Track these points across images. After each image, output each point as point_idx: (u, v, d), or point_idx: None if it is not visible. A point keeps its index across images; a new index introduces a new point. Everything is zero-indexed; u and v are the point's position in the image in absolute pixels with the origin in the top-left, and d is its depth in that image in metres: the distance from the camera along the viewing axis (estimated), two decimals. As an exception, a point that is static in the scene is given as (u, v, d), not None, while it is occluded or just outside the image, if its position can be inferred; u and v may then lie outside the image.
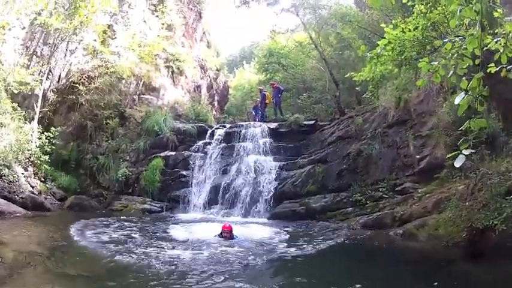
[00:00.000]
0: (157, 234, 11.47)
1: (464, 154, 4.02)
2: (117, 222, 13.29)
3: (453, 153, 4.22)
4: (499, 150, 9.66)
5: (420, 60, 5.55)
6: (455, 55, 4.67)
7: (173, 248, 9.44)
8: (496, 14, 4.45)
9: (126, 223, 13.23)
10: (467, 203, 8.65)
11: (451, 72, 4.68)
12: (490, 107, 5.95)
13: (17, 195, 14.13)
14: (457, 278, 7.02)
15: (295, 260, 8.42)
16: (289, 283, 6.85)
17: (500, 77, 4.68)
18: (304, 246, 9.98)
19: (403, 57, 11.89)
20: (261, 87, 26.25)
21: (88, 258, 8.00)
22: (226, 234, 10.53)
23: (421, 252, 9.32)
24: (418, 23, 11.33)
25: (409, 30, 11.35)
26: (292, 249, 9.58)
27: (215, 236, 10.71)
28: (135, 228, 12.12)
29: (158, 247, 9.32)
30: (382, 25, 12.33)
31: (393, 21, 12.22)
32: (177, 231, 11.97)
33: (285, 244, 10.37)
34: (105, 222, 13.06)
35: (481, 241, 7.49)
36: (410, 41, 11.45)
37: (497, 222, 7.19)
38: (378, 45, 11.22)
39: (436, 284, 6.61)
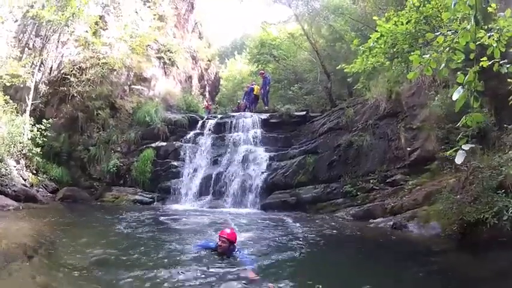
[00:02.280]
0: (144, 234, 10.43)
1: (464, 149, 4.06)
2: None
3: (454, 149, 4.25)
4: (490, 145, 9.72)
5: (412, 53, 5.55)
6: (447, 49, 4.70)
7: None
8: (489, 9, 4.50)
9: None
10: (458, 196, 8.71)
11: (443, 65, 4.71)
12: (482, 102, 6.03)
13: (9, 188, 13.96)
14: (446, 269, 7.08)
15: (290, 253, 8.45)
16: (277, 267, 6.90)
17: (492, 72, 4.73)
18: (295, 239, 9.98)
19: (395, 50, 11.96)
20: (262, 71, 26.24)
21: (81, 250, 7.99)
22: (223, 244, 7.01)
23: (411, 243, 9.37)
24: (410, 17, 11.40)
25: (402, 24, 11.42)
26: (283, 241, 9.58)
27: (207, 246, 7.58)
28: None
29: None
30: (375, 18, 12.37)
31: (386, 15, 12.25)
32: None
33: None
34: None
35: (472, 234, 7.56)
36: (402, 34, 11.52)
37: (488, 215, 7.27)
38: (370, 38, 11.27)
39: (421, 275, 6.70)
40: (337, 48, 23.98)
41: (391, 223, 11.22)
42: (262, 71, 26.08)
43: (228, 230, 7.29)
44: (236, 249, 7.24)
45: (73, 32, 19.51)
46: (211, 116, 22.03)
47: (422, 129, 13.00)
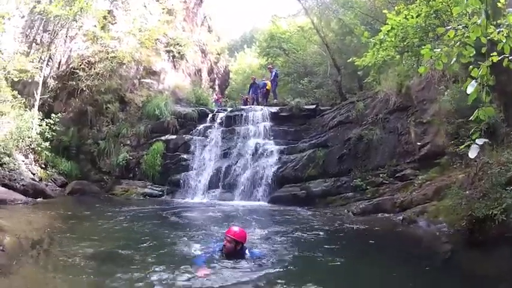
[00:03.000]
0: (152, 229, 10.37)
1: (477, 144, 4.04)
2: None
3: (466, 144, 4.27)
4: (499, 141, 9.64)
5: (422, 47, 5.52)
6: (458, 43, 4.68)
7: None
8: (499, 4, 4.47)
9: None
10: (467, 192, 8.66)
11: (454, 59, 4.69)
12: (491, 98, 5.98)
13: (18, 183, 14.11)
14: (454, 265, 7.10)
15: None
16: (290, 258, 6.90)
17: (502, 67, 4.70)
18: (305, 232, 9.97)
19: (405, 43, 11.90)
20: (270, 66, 26.29)
21: (92, 240, 8.07)
22: (228, 243, 6.38)
23: (421, 238, 9.37)
24: (421, 10, 11.33)
25: (412, 17, 11.35)
26: (293, 234, 9.58)
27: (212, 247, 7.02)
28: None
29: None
30: (385, 11, 12.31)
31: (396, 8, 12.17)
32: None
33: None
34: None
35: (481, 230, 7.51)
36: (413, 27, 11.45)
37: (497, 212, 7.20)
38: (381, 31, 11.21)
39: (428, 269, 6.73)
40: (347, 42, 23.88)
41: (401, 218, 11.18)
42: (270, 66, 26.17)
43: (235, 228, 6.58)
44: (246, 250, 6.54)
45: (81, 26, 19.63)
46: (221, 109, 22.07)
47: (432, 124, 12.93)
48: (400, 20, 11.45)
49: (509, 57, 4.81)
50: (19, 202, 12.86)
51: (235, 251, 6.39)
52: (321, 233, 9.73)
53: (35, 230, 8.51)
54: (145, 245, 7.88)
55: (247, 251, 6.56)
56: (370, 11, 21.84)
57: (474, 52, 4.61)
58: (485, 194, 7.89)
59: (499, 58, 4.90)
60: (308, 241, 8.73)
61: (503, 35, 4.79)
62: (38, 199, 13.97)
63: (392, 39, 11.79)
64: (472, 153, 4.14)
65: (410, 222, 10.63)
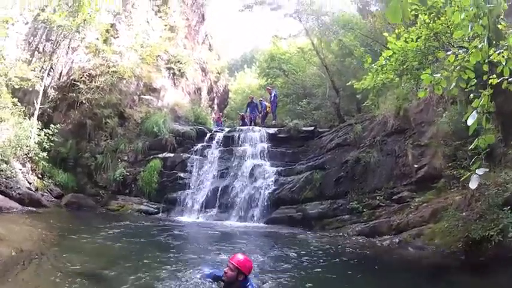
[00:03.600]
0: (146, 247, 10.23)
1: (478, 174, 4.03)
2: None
3: (468, 174, 4.25)
4: (497, 162, 9.68)
5: (422, 70, 5.57)
6: (458, 67, 4.70)
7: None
8: (500, 27, 4.49)
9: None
10: (464, 213, 8.70)
11: (453, 84, 4.70)
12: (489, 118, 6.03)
13: (14, 191, 14.02)
14: (451, 286, 7.05)
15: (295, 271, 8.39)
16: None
17: (500, 88, 4.71)
18: (300, 254, 9.91)
19: (404, 66, 11.96)
20: (269, 87, 26.47)
21: (85, 255, 8.01)
22: (229, 271, 5.68)
23: (417, 260, 9.37)
24: (421, 33, 11.40)
25: (412, 40, 11.42)
26: (290, 258, 9.50)
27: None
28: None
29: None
30: (385, 34, 12.40)
31: (396, 31, 12.26)
32: None
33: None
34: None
35: (477, 251, 7.51)
36: (412, 51, 11.52)
37: (494, 233, 7.24)
38: (381, 53, 11.29)
39: None
40: (347, 64, 24.01)
41: (397, 240, 11.21)
42: (269, 87, 26.34)
43: (240, 256, 5.79)
44: (248, 283, 5.70)
45: (84, 38, 19.67)
46: (219, 129, 22.05)
47: (430, 146, 12.97)
48: (401, 45, 11.53)
49: (509, 79, 4.83)
50: (14, 210, 12.98)
51: (236, 280, 5.67)
52: (318, 257, 9.59)
53: (30, 240, 8.58)
54: (131, 264, 7.73)
55: (249, 285, 5.70)
56: (370, 33, 21.99)
57: (473, 76, 4.62)
58: (481, 215, 7.96)
59: (498, 81, 4.93)
60: (306, 267, 8.56)
61: (503, 57, 4.81)
62: (34, 208, 13.96)
63: (393, 63, 11.86)
64: (473, 184, 4.12)
65: (406, 245, 10.64)
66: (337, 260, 9.61)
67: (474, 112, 4.16)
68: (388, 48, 11.58)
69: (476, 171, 4.07)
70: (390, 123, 14.99)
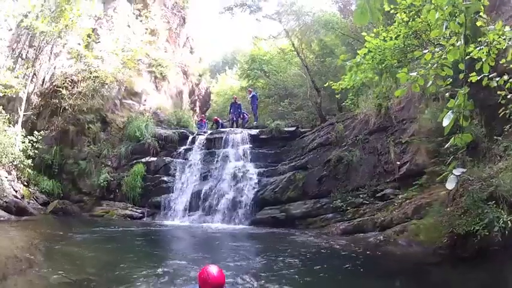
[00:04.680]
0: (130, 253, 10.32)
1: (455, 174, 4.06)
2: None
3: (444, 174, 4.25)
4: (481, 156, 9.78)
5: (401, 68, 5.59)
6: (435, 65, 4.74)
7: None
8: (479, 23, 4.56)
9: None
10: (448, 209, 8.75)
11: (430, 82, 4.74)
12: (472, 114, 6.07)
13: (1, 199, 14.05)
14: (438, 282, 7.13)
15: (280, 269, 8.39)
16: None
17: (482, 84, 4.78)
18: (285, 254, 9.92)
19: (383, 65, 12.04)
20: (250, 89, 26.54)
21: (70, 263, 7.98)
22: None
23: (402, 257, 9.43)
24: (399, 32, 11.50)
25: (391, 39, 11.51)
26: (276, 259, 9.47)
27: None
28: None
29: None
30: (364, 34, 12.47)
31: (374, 30, 12.35)
32: None
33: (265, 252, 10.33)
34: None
35: (462, 246, 7.58)
36: (390, 49, 11.61)
37: (479, 227, 7.31)
38: (358, 53, 11.33)
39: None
40: (327, 63, 24.11)
41: (381, 237, 11.21)
42: (250, 89, 26.38)
43: (213, 270, 4.18)
44: None
45: (66, 44, 19.68)
46: (202, 131, 22.00)
47: (412, 143, 13.04)
48: (377, 43, 11.60)
49: (489, 76, 4.90)
50: (1, 219, 12.99)
51: None
52: (302, 257, 9.61)
53: (17, 248, 8.62)
54: (117, 272, 7.66)
55: None
56: (351, 32, 22.07)
57: (451, 73, 4.67)
58: (466, 210, 8.00)
59: (479, 78, 4.99)
60: (290, 267, 8.55)
61: (483, 53, 4.88)
62: (20, 217, 13.96)
63: (370, 61, 11.92)
64: (450, 185, 4.14)
65: (390, 242, 10.69)
66: (322, 259, 9.64)
67: (449, 112, 4.18)
68: (366, 47, 11.65)
69: (453, 171, 4.09)
70: (372, 122, 15.06)
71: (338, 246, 11.04)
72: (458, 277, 7.30)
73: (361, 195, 14.13)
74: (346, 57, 12.44)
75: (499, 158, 9.38)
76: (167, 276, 7.44)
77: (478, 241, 7.14)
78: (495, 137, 9.82)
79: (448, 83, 4.78)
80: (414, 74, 4.88)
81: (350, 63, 11.30)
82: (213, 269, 4.20)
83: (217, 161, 18.59)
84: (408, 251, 9.71)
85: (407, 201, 11.94)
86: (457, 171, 4.07)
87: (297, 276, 7.70)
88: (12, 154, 15.89)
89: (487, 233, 6.95)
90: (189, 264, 8.53)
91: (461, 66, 4.43)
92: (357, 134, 15.72)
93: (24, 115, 17.61)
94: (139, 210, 17.27)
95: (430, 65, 4.79)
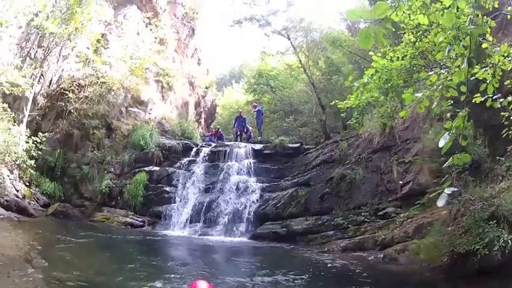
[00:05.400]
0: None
1: (446, 193, 4.10)
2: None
3: (437, 192, 4.31)
4: (483, 176, 9.81)
5: (406, 88, 5.64)
6: (440, 87, 4.79)
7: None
8: (484, 45, 4.61)
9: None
10: (449, 228, 8.79)
11: (435, 103, 4.80)
12: (476, 134, 6.15)
13: (2, 198, 13.95)
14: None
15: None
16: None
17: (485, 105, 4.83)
18: (284, 271, 9.90)
19: (389, 85, 12.11)
20: (255, 103, 26.56)
21: (68, 266, 8.03)
22: None
23: (402, 275, 9.46)
24: (406, 52, 11.58)
25: (397, 59, 11.58)
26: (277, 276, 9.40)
27: None
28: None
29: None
30: (371, 54, 12.57)
31: (382, 50, 12.43)
32: None
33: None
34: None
35: (462, 265, 7.60)
36: (397, 69, 11.68)
37: (479, 247, 7.34)
38: (365, 73, 11.42)
39: None
40: (333, 81, 24.25)
41: (382, 256, 11.25)
42: (255, 103, 26.40)
43: (202, 285, 4.33)
44: None
45: (75, 47, 19.76)
46: (205, 144, 22.05)
47: (415, 163, 13.08)
48: (384, 63, 11.68)
49: (493, 97, 4.95)
50: (2, 217, 12.86)
51: None
52: (302, 273, 9.60)
53: (17, 248, 8.67)
54: (113, 279, 7.74)
55: None
56: (358, 50, 22.18)
57: (456, 94, 4.73)
58: (467, 229, 8.03)
59: (483, 99, 5.05)
60: (289, 284, 8.59)
61: (488, 74, 4.93)
62: (20, 216, 13.86)
63: (377, 81, 11.99)
64: (440, 202, 4.20)
65: (391, 260, 10.71)
66: (322, 276, 9.64)
67: (446, 134, 4.23)
68: (373, 67, 11.74)
69: (445, 190, 4.15)
70: (376, 141, 15.15)
71: (338, 264, 11.00)
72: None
73: (362, 213, 14.13)
74: (353, 76, 12.57)
75: (501, 178, 9.42)
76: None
77: (478, 260, 7.15)
78: (498, 157, 9.86)
79: (449, 103, 4.83)
80: (420, 94, 4.93)
81: (357, 83, 11.40)
82: (202, 285, 4.16)
83: (220, 174, 18.58)
84: (408, 270, 9.72)
85: (409, 220, 11.97)
86: (448, 190, 4.13)
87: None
88: (15, 153, 15.86)
89: (487, 252, 6.98)
90: (184, 277, 8.52)
91: (463, 89, 4.49)
92: (360, 152, 15.79)
93: (29, 115, 17.57)
94: (140, 219, 17.21)
95: (435, 86, 4.85)
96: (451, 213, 9.27)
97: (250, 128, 25.48)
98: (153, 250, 12.23)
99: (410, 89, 5.33)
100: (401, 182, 13.41)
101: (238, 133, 24.84)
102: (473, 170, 10.03)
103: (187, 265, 10.30)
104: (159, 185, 18.43)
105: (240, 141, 23.38)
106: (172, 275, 8.53)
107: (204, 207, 17.00)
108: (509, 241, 7.00)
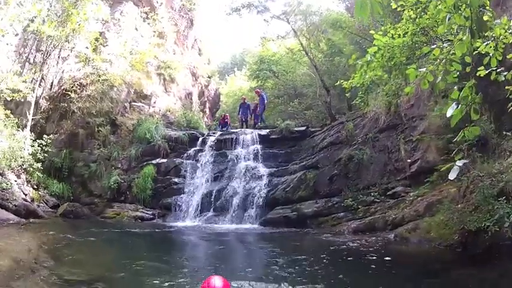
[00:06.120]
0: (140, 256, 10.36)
1: (458, 165, 4.07)
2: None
3: (447, 165, 4.27)
4: (490, 152, 9.77)
5: (409, 65, 5.58)
6: (444, 60, 4.73)
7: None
8: (485, 18, 4.53)
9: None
10: (459, 206, 8.79)
11: (439, 78, 4.74)
12: (481, 109, 6.10)
13: (11, 203, 14.03)
14: (450, 279, 7.11)
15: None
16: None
17: (490, 80, 4.76)
18: (299, 257, 9.90)
19: (392, 63, 12.03)
20: (258, 90, 26.36)
21: (82, 265, 8.07)
22: None
23: (414, 255, 9.51)
24: (407, 29, 11.48)
25: (399, 36, 11.49)
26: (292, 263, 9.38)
27: None
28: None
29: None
30: (372, 32, 12.47)
31: (382, 28, 12.34)
32: None
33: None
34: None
35: (474, 243, 7.60)
36: (399, 47, 11.60)
37: (490, 223, 7.32)
38: (368, 52, 11.35)
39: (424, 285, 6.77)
40: (336, 63, 24.18)
41: (393, 235, 11.29)
42: (258, 89, 26.23)
43: (216, 282, 4.00)
44: None
45: (73, 48, 19.76)
46: (211, 133, 22.05)
47: (422, 141, 13.09)
48: (386, 40, 11.59)
49: (497, 70, 4.87)
50: (11, 222, 12.98)
51: None
52: (315, 256, 9.66)
53: (28, 251, 8.64)
54: (128, 274, 7.75)
55: None
56: (359, 31, 22.08)
57: (459, 68, 4.66)
58: (477, 206, 8.03)
59: (487, 72, 4.97)
60: (303, 268, 8.57)
61: (490, 47, 4.86)
62: (31, 220, 13.94)
63: (380, 59, 11.92)
64: (452, 175, 4.16)
65: (402, 240, 10.75)
66: (335, 258, 9.65)
67: (454, 104, 4.18)
68: (375, 45, 11.66)
69: (456, 162, 4.11)
70: (382, 120, 15.17)
71: (351, 246, 10.99)
72: (470, 275, 7.28)
73: (372, 194, 14.23)
74: (356, 56, 12.49)
75: (508, 153, 9.40)
76: (174, 282, 7.28)
77: (489, 237, 7.13)
78: (504, 133, 9.80)
79: (454, 76, 4.76)
80: (423, 70, 4.87)
81: (361, 62, 11.33)
82: (217, 281, 4.02)
83: (228, 161, 18.71)
84: (420, 249, 9.76)
85: (419, 198, 12.01)
86: (460, 163, 4.10)
87: (309, 277, 7.69)
88: (21, 158, 16.01)
89: (498, 229, 6.94)
90: (197, 270, 8.63)
91: (468, 60, 4.43)
92: (367, 132, 15.82)
93: (32, 119, 17.70)
94: (150, 212, 17.33)
95: (438, 60, 4.79)
96: (460, 190, 9.27)
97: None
98: (163, 243, 12.36)
99: (414, 65, 5.26)
100: (409, 161, 13.42)
101: (244, 119, 24.83)
102: (480, 146, 10.02)
103: (199, 257, 10.43)
104: (167, 176, 18.49)
105: (246, 127, 23.38)
106: (184, 269, 8.52)
107: (213, 196, 17.10)
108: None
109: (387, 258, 9.49)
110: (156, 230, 14.36)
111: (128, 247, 10.82)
